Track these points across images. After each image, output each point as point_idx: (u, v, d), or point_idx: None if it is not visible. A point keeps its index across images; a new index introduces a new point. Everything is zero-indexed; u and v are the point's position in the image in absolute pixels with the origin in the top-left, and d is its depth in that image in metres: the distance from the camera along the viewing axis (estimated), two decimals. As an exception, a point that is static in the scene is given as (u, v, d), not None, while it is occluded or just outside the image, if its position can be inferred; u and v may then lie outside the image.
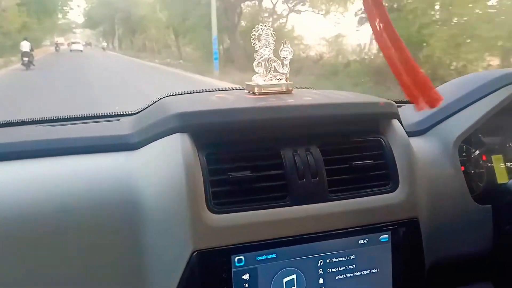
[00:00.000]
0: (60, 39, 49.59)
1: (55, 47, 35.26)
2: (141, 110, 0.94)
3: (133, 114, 0.96)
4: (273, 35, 0.86)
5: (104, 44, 58.04)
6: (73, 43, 40.45)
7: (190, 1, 18.00)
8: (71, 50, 36.65)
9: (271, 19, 17.31)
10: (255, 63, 0.86)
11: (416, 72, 0.67)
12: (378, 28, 0.68)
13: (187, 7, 18.05)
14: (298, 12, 17.65)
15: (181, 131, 0.71)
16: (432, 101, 0.68)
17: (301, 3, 17.28)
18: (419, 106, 0.68)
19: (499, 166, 0.98)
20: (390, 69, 0.68)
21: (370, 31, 0.69)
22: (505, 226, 0.90)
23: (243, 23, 17.26)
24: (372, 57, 10.69)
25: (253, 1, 17.94)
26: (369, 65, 10.18)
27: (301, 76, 9.93)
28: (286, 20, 18.00)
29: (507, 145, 1.01)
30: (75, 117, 0.97)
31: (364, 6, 0.69)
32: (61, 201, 0.68)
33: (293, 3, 17.46)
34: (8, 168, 0.72)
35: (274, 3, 17.58)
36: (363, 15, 9.87)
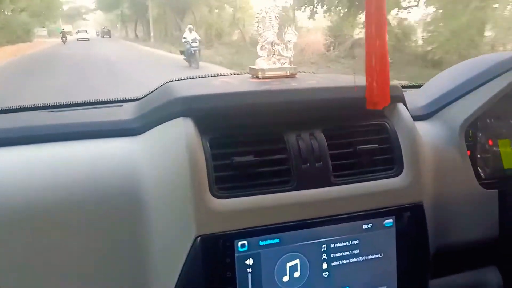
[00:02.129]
0: (67, 27, 42.39)
1: (61, 37, 29.44)
2: (145, 96, 0.93)
3: (136, 99, 0.96)
4: (277, 17, 0.84)
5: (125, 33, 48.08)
6: (79, 31, 38.70)
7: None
8: (77, 39, 35.28)
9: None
10: (258, 46, 0.84)
11: (386, 69, 0.73)
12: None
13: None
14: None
15: (184, 115, 0.70)
16: (381, 101, 0.74)
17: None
18: (371, 102, 0.75)
19: (505, 150, 0.97)
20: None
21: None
22: (511, 211, 0.89)
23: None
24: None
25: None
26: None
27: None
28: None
29: None
30: (78, 103, 0.96)
31: None
32: (63, 187, 0.68)
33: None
34: (10, 154, 0.72)
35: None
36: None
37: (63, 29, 31.61)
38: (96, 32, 46.41)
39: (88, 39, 35.34)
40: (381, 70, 0.72)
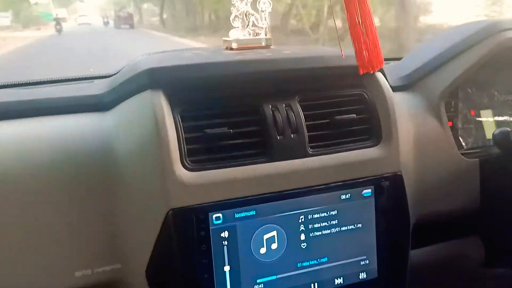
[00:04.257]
0: (61, 11, 25.61)
1: (55, 25, 20.40)
2: (116, 73, 0.91)
3: (108, 76, 0.93)
4: None
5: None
6: (80, 16, 32.96)
7: None
8: (79, 24, 30.03)
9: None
10: (231, 17, 0.82)
11: (375, 32, 0.74)
12: None
13: None
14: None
15: (153, 88, 0.68)
16: (375, 64, 0.75)
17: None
18: (363, 67, 0.75)
19: (487, 120, 0.96)
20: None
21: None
22: (492, 180, 0.89)
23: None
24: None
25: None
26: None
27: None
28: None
29: (496, 99, 0.98)
30: (48, 81, 0.94)
31: None
32: (33, 162, 0.66)
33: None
34: None
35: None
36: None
37: (56, 15, 21.68)
38: (104, 20, 28.94)
39: (90, 24, 30.03)
40: (371, 33, 0.73)
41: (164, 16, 26.82)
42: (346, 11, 0.73)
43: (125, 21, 24.27)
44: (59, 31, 19.63)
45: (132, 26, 24.40)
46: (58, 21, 20.40)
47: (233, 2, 0.81)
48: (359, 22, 0.73)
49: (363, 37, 0.73)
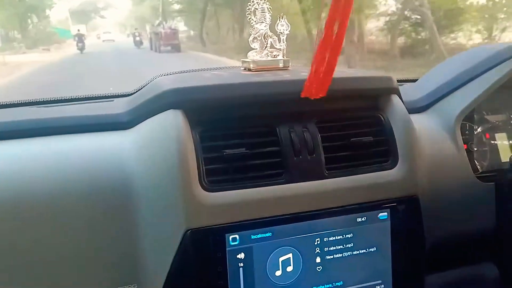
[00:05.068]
0: (81, 27, 22.42)
1: (77, 42, 18.20)
2: (136, 91, 0.92)
3: (128, 95, 0.94)
4: (269, 9, 0.83)
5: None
6: (105, 33, 31.96)
7: None
8: (103, 41, 29.00)
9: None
10: (250, 38, 0.83)
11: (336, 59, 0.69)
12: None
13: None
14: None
15: (174, 108, 0.69)
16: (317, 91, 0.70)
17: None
18: (308, 91, 0.71)
19: (503, 143, 0.96)
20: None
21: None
22: (508, 204, 0.88)
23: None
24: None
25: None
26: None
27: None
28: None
29: (511, 122, 0.98)
30: (69, 99, 0.95)
31: None
32: (53, 181, 0.67)
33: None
34: (0, 148, 0.71)
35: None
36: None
37: (78, 31, 19.33)
38: (135, 38, 22.30)
39: (114, 40, 28.29)
40: (332, 59, 0.68)
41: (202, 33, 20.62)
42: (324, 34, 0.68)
43: (167, 40, 17.57)
44: (81, 49, 17.39)
45: (177, 48, 17.52)
46: (80, 38, 17.94)
47: (251, 24, 0.83)
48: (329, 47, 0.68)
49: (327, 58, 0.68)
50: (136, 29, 24.99)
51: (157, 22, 19.73)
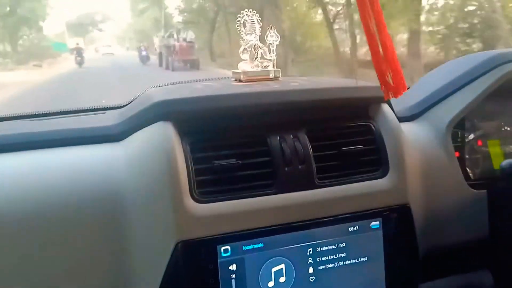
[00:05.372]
0: (79, 40, 20.69)
1: (75, 56, 17.24)
2: (127, 104, 0.92)
3: (120, 107, 0.95)
4: (259, 21, 0.84)
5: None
6: (104, 46, 31.73)
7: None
8: (103, 54, 28.70)
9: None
10: (240, 49, 0.84)
11: (395, 59, 0.65)
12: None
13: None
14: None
15: (163, 119, 0.69)
16: (399, 89, 0.66)
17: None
18: (387, 93, 0.66)
19: (495, 151, 0.96)
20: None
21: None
22: (501, 211, 0.88)
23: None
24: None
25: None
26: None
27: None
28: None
29: (503, 129, 0.99)
30: (60, 112, 0.95)
31: None
32: (44, 193, 0.66)
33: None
34: None
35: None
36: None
37: (77, 44, 18.06)
38: (141, 53, 19.77)
39: (113, 54, 27.43)
40: (392, 59, 0.66)
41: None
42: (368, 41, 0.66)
43: (184, 55, 14.48)
44: (79, 63, 15.87)
45: (195, 65, 14.42)
46: (79, 52, 16.53)
47: (241, 36, 0.83)
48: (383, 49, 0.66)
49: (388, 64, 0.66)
50: (142, 44, 22.03)
51: (167, 33, 16.71)
